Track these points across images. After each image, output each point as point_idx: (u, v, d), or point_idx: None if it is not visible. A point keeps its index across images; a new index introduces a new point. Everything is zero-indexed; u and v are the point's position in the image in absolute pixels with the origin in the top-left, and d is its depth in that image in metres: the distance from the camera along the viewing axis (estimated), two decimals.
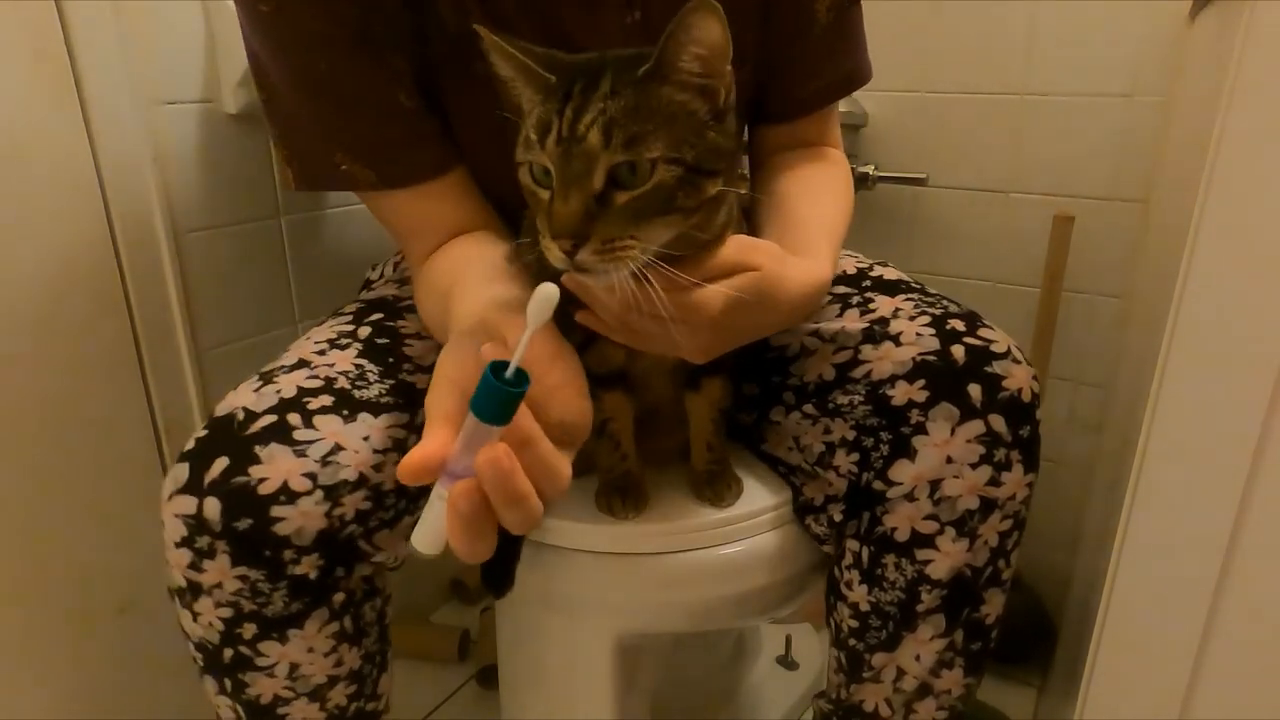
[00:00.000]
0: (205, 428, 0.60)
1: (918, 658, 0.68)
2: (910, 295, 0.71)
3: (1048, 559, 1.24)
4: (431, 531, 0.44)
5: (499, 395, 0.40)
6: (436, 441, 0.45)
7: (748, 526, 0.72)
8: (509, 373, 0.41)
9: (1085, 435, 1.20)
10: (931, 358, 0.64)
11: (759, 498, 0.73)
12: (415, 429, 0.66)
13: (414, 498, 0.67)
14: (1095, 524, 0.94)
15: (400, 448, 0.64)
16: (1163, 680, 0.48)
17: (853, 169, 1.18)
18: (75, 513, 0.84)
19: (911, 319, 0.67)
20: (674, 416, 0.73)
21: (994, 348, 0.64)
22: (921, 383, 0.63)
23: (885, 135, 1.22)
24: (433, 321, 0.69)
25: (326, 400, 0.62)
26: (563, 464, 0.47)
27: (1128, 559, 0.48)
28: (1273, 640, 0.45)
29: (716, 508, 0.72)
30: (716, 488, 0.72)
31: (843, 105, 1.18)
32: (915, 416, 0.63)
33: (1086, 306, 1.15)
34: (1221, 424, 0.43)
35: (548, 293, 0.42)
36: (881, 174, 1.19)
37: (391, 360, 0.68)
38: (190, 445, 0.60)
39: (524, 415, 0.44)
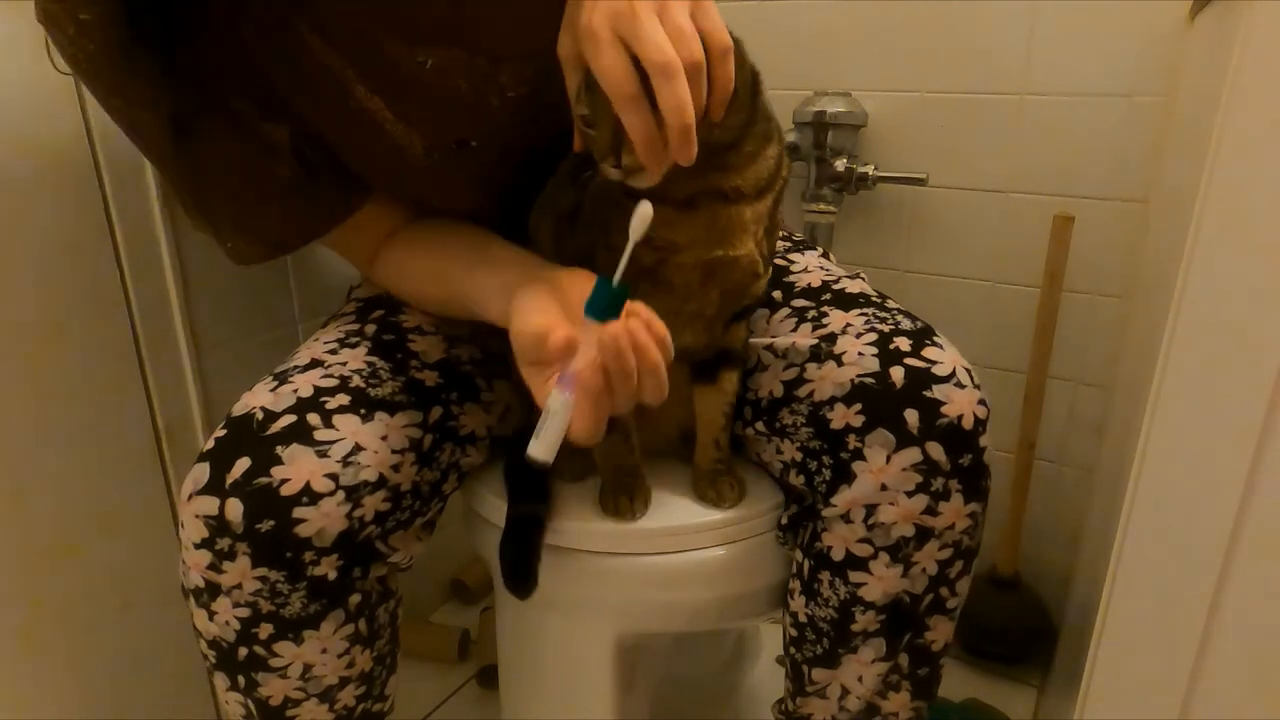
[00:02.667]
0: (224, 427, 0.60)
1: (860, 679, 0.67)
2: (865, 310, 0.69)
3: (1048, 559, 1.24)
4: (549, 439, 0.51)
5: (612, 294, 0.50)
6: (566, 328, 0.52)
7: (748, 527, 0.72)
8: (615, 282, 0.51)
9: (1085, 435, 1.20)
10: (869, 380, 0.62)
11: (759, 499, 0.73)
12: (429, 428, 0.66)
13: (428, 499, 0.67)
14: (1095, 524, 0.94)
15: (416, 448, 0.64)
16: (1163, 680, 0.48)
17: (853, 169, 1.19)
18: (75, 513, 0.84)
19: (858, 336, 0.66)
20: (674, 403, 0.73)
21: (936, 370, 0.62)
22: (858, 406, 0.62)
23: (885, 135, 1.22)
24: (441, 291, 0.70)
25: (344, 399, 0.62)
26: (663, 327, 0.51)
27: (1128, 559, 0.48)
28: (1273, 640, 0.45)
29: (718, 509, 0.72)
30: (719, 488, 0.72)
31: (842, 105, 1.19)
32: (853, 442, 0.62)
33: (1086, 306, 1.15)
34: (1221, 423, 0.43)
35: (645, 211, 0.49)
36: (881, 174, 1.19)
37: (400, 356, 0.68)
38: (210, 445, 0.59)
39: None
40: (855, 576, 0.64)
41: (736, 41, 0.55)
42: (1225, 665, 0.46)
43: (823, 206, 1.23)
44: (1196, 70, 0.73)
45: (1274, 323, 0.41)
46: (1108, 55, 1.06)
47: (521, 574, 0.70)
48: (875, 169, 1.19)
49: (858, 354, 0.64)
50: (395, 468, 0.62)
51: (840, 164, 1.19)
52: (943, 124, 1.18)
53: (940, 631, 0.67)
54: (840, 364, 0.64)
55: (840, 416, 0.63)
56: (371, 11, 0.61)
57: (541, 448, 0.51)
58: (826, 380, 0.65)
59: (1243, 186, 0.41)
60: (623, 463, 0.71)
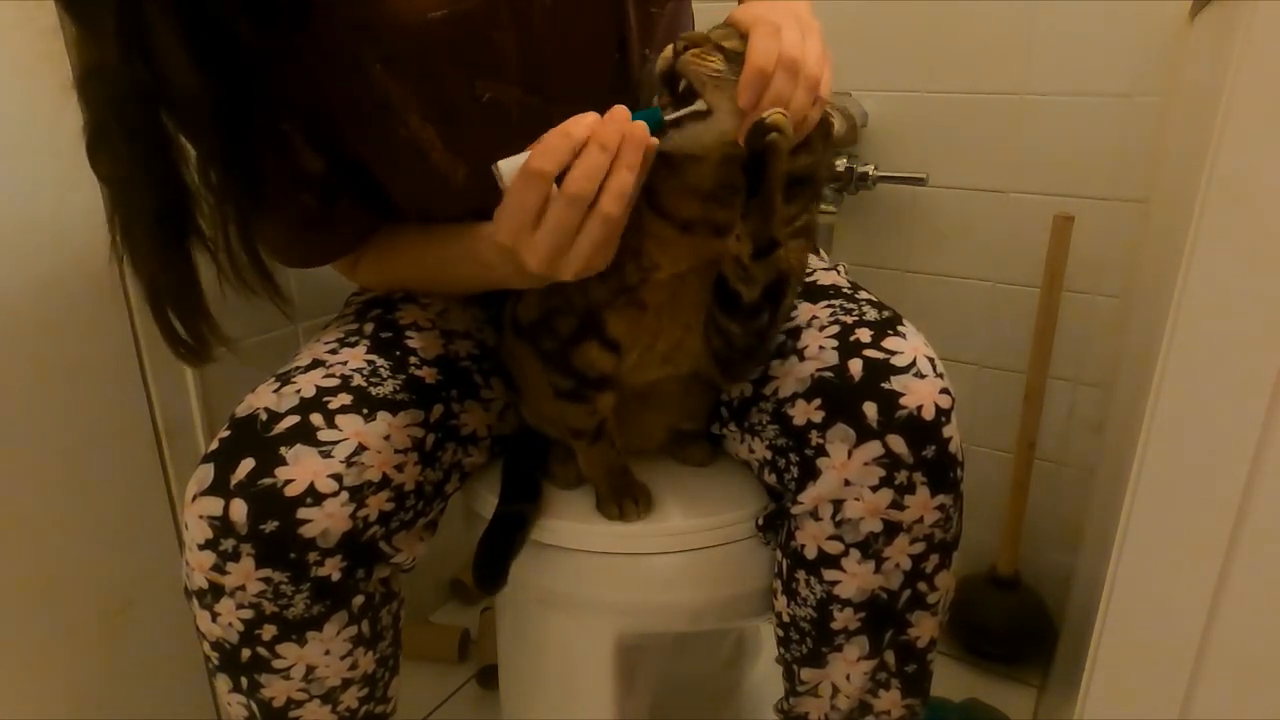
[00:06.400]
0: (228, 428, 0.60)
1: (848, 677, 0.67)
2: (832, 302, 0.68)
3: (1048, 559, 1.24)
4: (518, 162, 0.54)
5: (655, 116, 0.56)
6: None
7: (747, 527, 0.72)
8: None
9: (1085, 435, 1.20)
10: (829, 374, 0.62)
11: (758, 498, 0.73)
12: (431, 427, 0.66)
13: (431, 499, 0.67)
14: (1095, 524, 0.94)
15: (419, 447, 0.64)
16: (1163, 680, 0.48)
17: (852, 169, 1.19)
18: (75, 513, 0.84)
19: (821, 329, 0.65)
20: (663, 405, 0.73)
21: (896, 360, 0.61)
22: (818, 401, 0.62)
23: (885, 135, 1.22)
24: (433, 254, 0.73)
25: (346, 399, 0.62)
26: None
27: (1128, 559, 0.48)
28: (1273, 640, 0.45)
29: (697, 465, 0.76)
30: (696, 449, 0.76)
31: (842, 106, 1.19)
32: (815, 438, 0.62)
33: (1086, 306, 1.15)
34: (1221, 424, 0.43)
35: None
36: (881, 174, 1.19)
37: (399, 354, 0.68)
38: (214, 446, 0.60)
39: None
40: (829, 574, 0.64)
41: (824, 129, 0.60)
42: (1225, 665, 0.46)
43: (823, 206, 1.23)
44: (1196, 70, 0.73)
45: (1274, 323, 0.41)
46: (1108, 55, 1.06)
47: (492, 570, 0.71)
48: (875, 169, 1.19)
49: (819, 348, 0.64)
50: (399, 468, 0.62)
51: (840, 164, 1.19)
52: (943, 124, 1.18)
53: (924, 627, 0.66)
54: (802, 359, 0.64)
55: (801, 412, 0.63)
56: (443, 47, 0.63)
57: (505, 162, 0.55)
58: (789, 376, 0.65)
59: (1243, 187, 0.41)
60: (612, 465, 0.71)
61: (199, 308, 0.63)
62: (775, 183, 0.56)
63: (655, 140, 0.55)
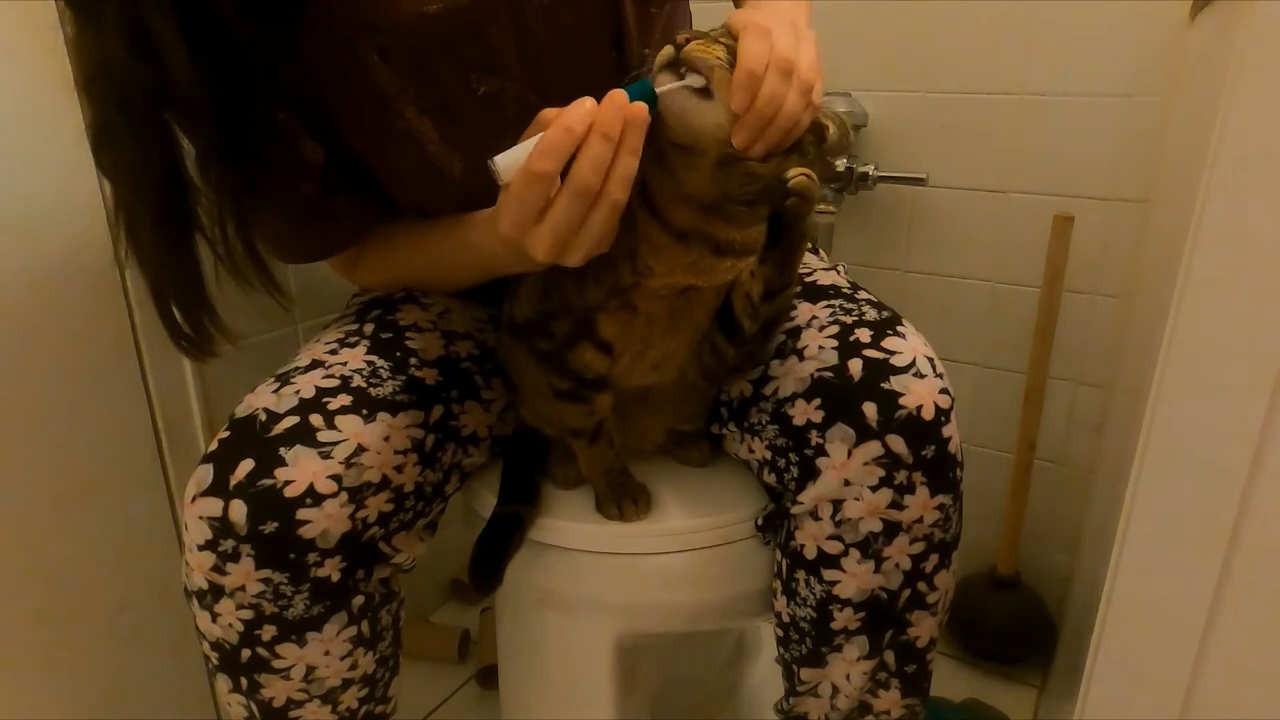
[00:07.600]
0: (227, 429, 0.60)
1: (848, 677, 0.67)
2: (832, 302, 0.68)
3: (1048, 559, 1.24)
4: (514, 154, 0.54)
5: (646, 89, 0.55)
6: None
7: (747, 527, 0.72)
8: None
9: (1085, 435, 1.20)
10: (828, 374, 0.62)
11: (757, 498, 0.73)
12: (431, 427, 0.66)
13: (430, 500, 0.67)
14: (1095, 524, 0.94)
15: (419, 448, 0.64)
16: (1163, 680, 0.48)
17: (852, 169, 1.19)
18: (75, 513, 0.84)
19: (821, 329, 0.65)
20: (661, 406, 0.73)
21: (895, 360, 0.61)
22: (818, 401, 0.62)
23: (885, 135, 1.22)
24: (429, 250, 0.74)
25: (345, 400, 0.62)
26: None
27: (1128, 559, 0.48)
28: (1273, 640, 0.45)
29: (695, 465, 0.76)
30: (695, 449, 0.76)
31: (843, 105, 1.19)
32: (814, 438, 0.62)
33: (1086, 306, 1.15)
34: (1221, 424, 0.43)
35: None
36: (881, 174, 1.19)
37: (399, 355, 0.68)
38: (213, 446, 0.60)
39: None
40: (829, 574, 0.64)
41: (817, 134, 0.59)
42: (1225, 665, 0.46)
43: (822, 206, 1.23)
44: (1196, 70, 0.73)
45: (1274, 323, 0.41)
46: (1108, 55, 1.06)
47: (487, 570, 0.71)
48: (875, 169, 1.19)
49: (819, 348, 0.64)
50: (398, 468, 0.62)
51: (840, 164, 1.19)
52: (943, 124, 1.18)
53: (924, 627, 0.66)
54: (801, 359, 0.64)
55: (801, 412, 0.63)
56: (439, 41, 0.64)
57: (502, 158, 0.54)
58: (789, 376, 0.65)
59: (1243, 186, 0.41)
60: (611, 466, 0.71)
61: (202, 300, 0.64)
62: (796, 240, 0.58)
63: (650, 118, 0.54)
